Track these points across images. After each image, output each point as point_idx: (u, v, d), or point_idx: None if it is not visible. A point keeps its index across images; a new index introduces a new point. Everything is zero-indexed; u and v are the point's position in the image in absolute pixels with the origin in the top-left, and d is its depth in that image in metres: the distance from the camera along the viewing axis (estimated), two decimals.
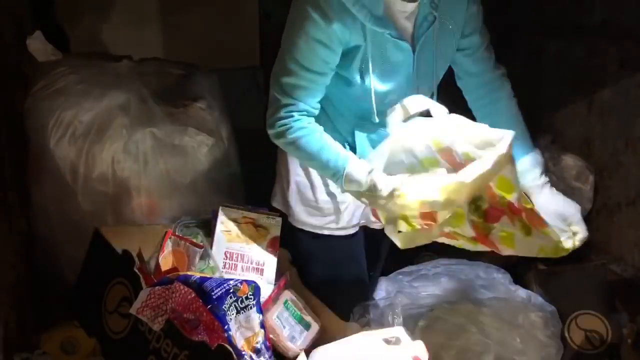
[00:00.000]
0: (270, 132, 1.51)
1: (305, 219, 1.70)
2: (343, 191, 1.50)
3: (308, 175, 1.66)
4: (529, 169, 1.59)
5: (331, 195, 1.66)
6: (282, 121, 1.48)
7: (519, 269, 2.29)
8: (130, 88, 1.82)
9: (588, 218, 2.21)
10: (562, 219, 1.55)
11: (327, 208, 1.68)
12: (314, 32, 1.41)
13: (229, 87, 2.15)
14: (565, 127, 2.43)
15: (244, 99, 2.71)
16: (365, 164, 1.44)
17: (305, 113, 1.49)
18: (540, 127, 2.52)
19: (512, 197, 1.34)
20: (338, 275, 1.76)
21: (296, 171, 1.68)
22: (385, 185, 1.35)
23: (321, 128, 1.51)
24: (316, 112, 1.51)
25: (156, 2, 2.51)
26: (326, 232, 1.71)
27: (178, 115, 1.84)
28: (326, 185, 1.66)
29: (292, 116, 1.47)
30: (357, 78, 1.49)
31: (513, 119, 1.69)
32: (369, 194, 1.39)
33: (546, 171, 1.59)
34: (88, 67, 1.84)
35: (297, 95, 1.47)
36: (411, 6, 1.45)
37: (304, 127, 1.48)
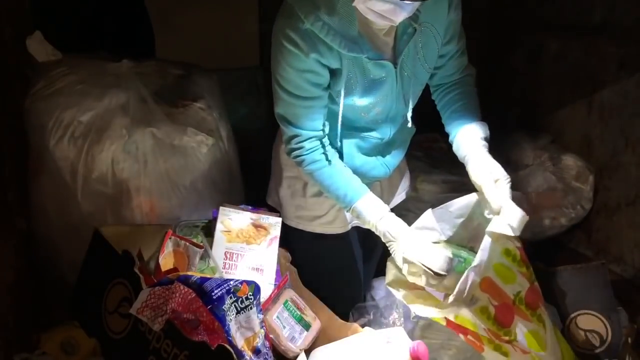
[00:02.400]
0: (291, 160, 1.57)
1: (296, 216, 1.72)
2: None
3: (300, 175, 1.68)
4: (471, 134, 1.55)
5: (321, 194, 1.67)
6: (295, 153, 1.53)
7: None
8: (130, 88, 1.82)
9: (588, 218, 2.22)
10: (493, 179, 1.47)
11: (317, 206, 1.69)
12: (295, 64, 1.42)
13: (229, 87, 2.15)
14: (565, 127, 2.43)
15: (244, 99, 2.71)
16: (379, 206, 1.50)
17: (313, 139, 1.51)
18: (540, 127, 2.53)
19: (515, 284, 1.39)
20: (331, 273, 1.76)
21: (288, 169, 1.70)
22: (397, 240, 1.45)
23: (335, 156, 1.54)
24: (324, 133, 1.53)
25: (156, 2, 2.51)
26: (318, 230, 1.71)
27: (178, 115, 1.84)
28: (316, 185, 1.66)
29: (303, 147, 1.51)
30: (341, 97, 1.50)
31: (468, 100, 1.63)
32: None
33: (488, 141, 1.58)
34: (88, 67, 1.84)
35: (299, 124, 1.49)
36: (385, 25, 1.43)
37: (316, 160, 1.52)
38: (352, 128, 1.59)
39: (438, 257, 1.40)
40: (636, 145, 2.06)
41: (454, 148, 1.59)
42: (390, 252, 1.50)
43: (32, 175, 1.83)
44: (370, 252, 1.89)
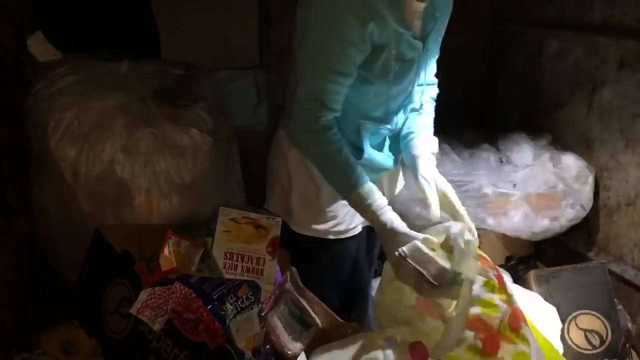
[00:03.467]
0: (295, 132, 1.53)
1: (309, 224, 1.68)
2: (352, 206, 1.53)
3: (312, 179, 1.64)
4: (423, 149, 1.60)
5: (336, 199, 1.65)
6: (316, 132, 1.48)
7: (519, 269, 2.30)
8: (130, 88, 1.82)
9: (588, 218, 2.22)
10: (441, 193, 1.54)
11: (332, 213, 1.67)
12: (349, 35, 1.40)
13: (229, 87, 2.15)
14: (565, 127, 2.43)
15: (244, 99, 2.71)
16: (382, 196, 1.48)
17: (333, 120, 1.50)
18: (540, 127, 2.53)
19: (499, 314, 1.39)
20: (342, 277, 1.75)
21: (300, 175, 1.65)
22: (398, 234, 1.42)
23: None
24: (338, 116, 1.52)
25: (156, 2, 2.51)
26: (331, 237, 1.69)
27: (178, 115, 1.84)
28: (332, 189, 1.63)
29: (324, 126, 1.48)
30: (377, 77, 1.50)
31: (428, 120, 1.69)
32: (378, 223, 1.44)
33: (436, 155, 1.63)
34: (88, 67, 1.84)
35: (331, 103, 1.47)
36: (422, 6, 1.47)
37: (335, 140, 1.50)
38: (369, 118, 1.59)
39: (434, 265, 1.36)
40: (636, 145, 2.06)
41: (406, 141, 1.62)
42: (384, 244, 1.45)
43: (32, 175, 1.83)
44: (370, 251, 1.89)
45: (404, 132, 1.66)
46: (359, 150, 1.59)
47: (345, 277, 1.77)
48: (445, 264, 1.37)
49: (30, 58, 1.87)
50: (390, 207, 1.49)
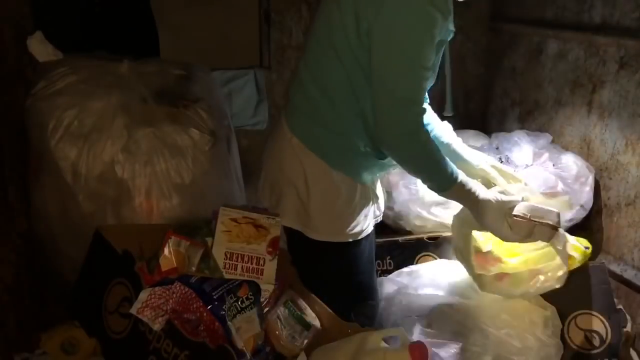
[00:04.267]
0: (403, 143, 1.49)
1: (329, 229, 1.65)
2: (450, 198, 1.61)
3: (333, 183, 1.61)
4: (451, 136, 1.75)
5: (354, 201, 1.63)
6: (417, 135, 1.48)
7: None
8: (130, 88, 1.82)
9: (588, 218, 2.22)
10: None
11: (351, 215, 1.64)
12: (435, 30, 1.41)
13: (229, 87, 2.15)
14: (565, 127, 2.43)
15: (244, 99, 2.71)
16: (470, 179, 1.58)
17: (424, 116, 1.51)
18: (540, 127, 2.53)
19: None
20: (359, 279, 1.74)
21: (320, 181, 1.61)
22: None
23: None
24: None
25: (156, 2, 2.51)
26: (350, 240, 1.66)
27: (178, 115, 1.84)
28: (352, 192, 1.63)
29: (421, 125, 1.48)
30: (433, 70, 1.53)
31: None
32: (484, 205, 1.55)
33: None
34: (88, 67, 1.84)
35: (421, 97, 1.48)
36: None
37: (429, 135, 1.52)
38: None
39: (553, 213, 1.55)
40: (636, 145, 2.06)
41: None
42: (492, 217, 1.54)
43: (32, 175, 1.83)
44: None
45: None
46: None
47: (362, 278, 1.75)
48: (556, 210, 1.57)
49: (30, 58, 1.87)
50: (478, 182, 1.60)
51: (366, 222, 1.69)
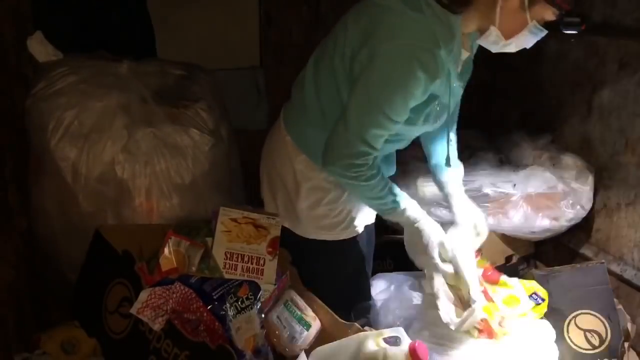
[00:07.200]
0: (337, 170, 1.51)
1: (316, 227, 1.68)
2: (393, 220, 1.65)
3: (320, 183, 1.64)
4: (453, 179, 1.78)
5: (341, 201, 1.65)
6: (358, 168, 1.49)
7: (519, 269, 2.30)
8: (130, 88, 1.82)
9: (588, 218, 2.22)
10: (474, 222, 1.72)
11: (339, 215, 1.67)
12: (414, 89, 1.41)
13: (229, 87, 2.15)
14: (565, 127, 2.43)
15: (244, 99, 2.71)
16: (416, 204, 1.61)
17: (376, 159, 1.52)
18: (540, 127, 2.53)
19: None
20: (349, 278, 1.76)
21: (308, 180, 1.64)
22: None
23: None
24: None
25: (156, 2, 2.51)
26: (338, 238, 1.69)
27: (178, 115, 1.84)
28: (340, 193, 1.64)
29: (367, 163, 1.49)
30: (422, 121, 1.54)
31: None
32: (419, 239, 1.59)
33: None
34: (88, 68, 1.84)
35: (378, 144, 1.49)
36: (467, 55, 1.54)
37: (374, 172, 1.52)
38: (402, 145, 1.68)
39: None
40: (636, 145, 2.06)
41: (438, 179, 1.80)
42: (427, 244, 1.58)
43: (32, 176, 1.83)
44: (369, 252, 1.89)
45: (434, 162, 1.80)
46: (388, 166, 1.69)
47: (352, 277, 1.77)
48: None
49: (30, 58, 1.87)
50: (424, 214, 1.62)
51: (354, 223, 1.70)
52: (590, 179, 2.17)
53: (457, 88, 1.57)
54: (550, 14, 1.41)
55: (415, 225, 1.59)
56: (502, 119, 2.86)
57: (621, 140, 2.12)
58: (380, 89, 1.42)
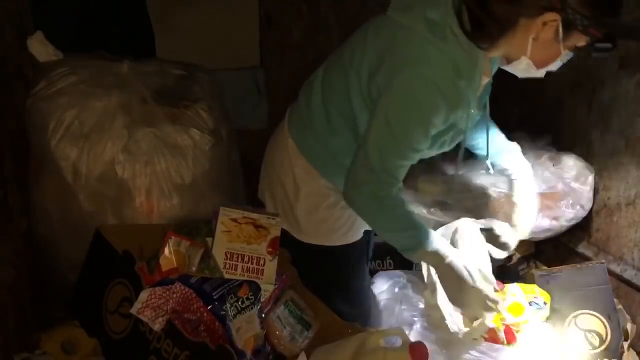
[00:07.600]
0: (356, 198, 1.48)
1: (315, 232, 1.68)
2: (416, 261, 1.64)
3: (320, 188, 1.63)
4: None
5: (340, 206, 1.64)
6: (378, 197, 1.46)
7: (519, 269, 2.30)
8: (130, 88, 1.82)
9: (588, 218, 2.22)
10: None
11: (338, 220, 1.67)
12: (435, 118, 1.40)
13: (229, 87, 2.15)
14: (565, 127, 2.43)
15: (244, 99, 2.71)
16: (443, 239, 1.53)
17: (398, 187, 1.48)
18: (540, 127, 2.52)
19: None
20: (349, 281, 1.75)
21: (307, 184, 1.64)
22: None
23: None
24: None
25: (156, 2, 2.51)
26: (337, 243, 1.69)
27: (178, 115, 1.84)
28: (338, 199, 1.63)
29: (390, 193, 1.46)
30: (437, 146, 1.52)
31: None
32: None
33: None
34: (89, 68, 1.84)
35: (399, 174, 1.46)
36: (487, 80, 1.54)
37: (399, 204, 1.48)
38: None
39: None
40: (636, 145, 2.06)
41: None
42: (472, 276, 1.48)
43: (33, 176, 1.83)
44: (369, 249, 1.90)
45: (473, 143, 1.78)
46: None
47: (352, 280, 1.76)
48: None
49: (30, 58, 1.87)
50: (452, 251, 1.51)
51: (353, 229, 1.70)
52: (590, 179, 2.17)
53: (475, 115, 1.54)
54: (582, 42, 1.39)
55: (446, 262, 1.48)
56: (502, 119, 2.85)
57: (621, 140, 2.12)
58: (401, 119, 1.39)
